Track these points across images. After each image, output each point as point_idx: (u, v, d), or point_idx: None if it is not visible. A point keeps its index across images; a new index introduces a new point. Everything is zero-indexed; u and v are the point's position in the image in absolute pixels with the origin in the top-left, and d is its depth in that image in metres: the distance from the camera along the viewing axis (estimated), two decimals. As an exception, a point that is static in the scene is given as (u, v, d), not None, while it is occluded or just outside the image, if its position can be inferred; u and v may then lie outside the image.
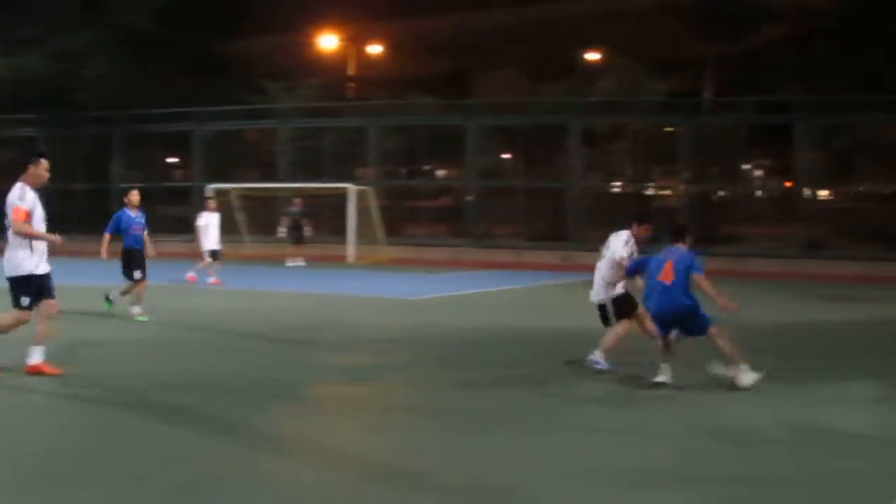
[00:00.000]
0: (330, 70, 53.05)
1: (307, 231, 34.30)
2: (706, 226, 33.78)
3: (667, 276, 11.26)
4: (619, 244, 12.45)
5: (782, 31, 43.74)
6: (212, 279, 24.37)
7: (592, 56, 49.20)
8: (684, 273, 11.20)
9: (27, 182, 11.52)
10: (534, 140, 42.27)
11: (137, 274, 17.42)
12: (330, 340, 15.10)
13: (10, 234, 11.39)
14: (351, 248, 35.00)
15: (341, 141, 42.32)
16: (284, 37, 57.87)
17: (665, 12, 46.43)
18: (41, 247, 11.48)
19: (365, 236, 35.50)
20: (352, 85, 54.06)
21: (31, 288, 11.33)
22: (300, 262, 32.86)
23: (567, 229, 36.94)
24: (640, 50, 43.77)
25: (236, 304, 20.37)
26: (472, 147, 38.32)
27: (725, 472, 7.85)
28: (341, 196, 35.97)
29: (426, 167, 45.19)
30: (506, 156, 46.22)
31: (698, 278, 11.12)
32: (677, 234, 11.96)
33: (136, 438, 8.65)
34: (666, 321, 11.35)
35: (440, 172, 47.09)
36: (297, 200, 34.24)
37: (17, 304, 11.37)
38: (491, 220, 40.09)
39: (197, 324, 16.87)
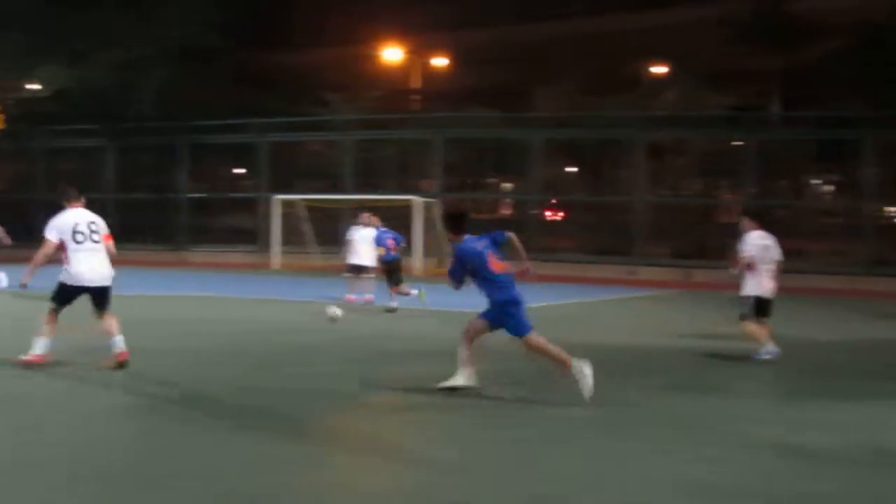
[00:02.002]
0: (393, 82, 53.29)
1: None
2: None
3: None
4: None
5: (841, 44, 43.34)
6: (351, 296, 23.33)
7: (655, 69, 49.06)
8: None
9: None
10: (596, 153, 42.21)
11: None
12: (399, 352, 15.15)
13: (107, 245, 12.65)
14: (418, 261, 35.09)
15: (404, 153, 42.51)
16: (347, 49, 58.13)
17: (724, 26, 46.23)
18: None
19: (429, 248, 35.65)
20: (415, 97, 54.20)
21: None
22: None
23: (631, 244, 36.88)
24: (703, 63, 43.63)
25: (299, 315, 20.54)
26: (535, 160, 38.36)
27: (791, 490, 7.85)
28: (404, 208, 36.07)
29: (489, 180, 45.26)
30: (569, 169, 46.19)
31: None
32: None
33: (210, 444, 8.78)
34: None
35: (504, 185, 47.09)
36: (365, 215, 34.10)
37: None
38: (553, 234, 40.06)
39: (258, 330, 17.01)
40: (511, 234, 12.21)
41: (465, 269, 11.61)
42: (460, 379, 11.51)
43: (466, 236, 11.79)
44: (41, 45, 42.99)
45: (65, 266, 12.43)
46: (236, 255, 40.55)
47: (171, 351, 14.62)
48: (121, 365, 12.37)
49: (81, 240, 12.40)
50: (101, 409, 10.44)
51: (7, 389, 11.38)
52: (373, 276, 23.18)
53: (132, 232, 42.16)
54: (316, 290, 25.72)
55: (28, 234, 43.31)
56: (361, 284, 23.32)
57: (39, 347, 12.48)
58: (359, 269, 23.26)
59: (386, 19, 56.08)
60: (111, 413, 10.29)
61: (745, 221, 15.11)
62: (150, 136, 44.49)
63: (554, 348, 11.38)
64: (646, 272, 35.24)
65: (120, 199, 43.50)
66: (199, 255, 41.69)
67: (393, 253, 22.30)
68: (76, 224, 12.49)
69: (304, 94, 46.02)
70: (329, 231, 36.63)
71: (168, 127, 43.41)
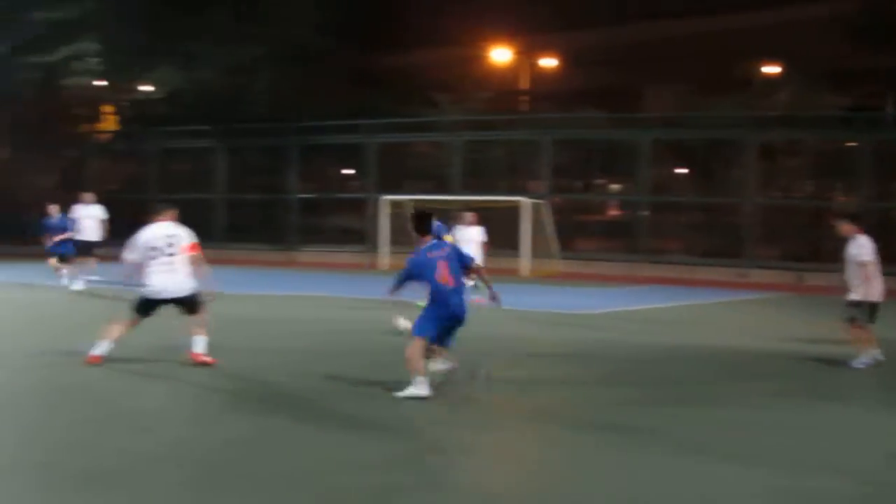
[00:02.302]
0: (501, 83, 53.21)
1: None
2: (886, 244, 32.87)
3: None
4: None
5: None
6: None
7: (767, 69, 48.32)
8: None
9: None
10: (707, 154, 41.68)
11: None
12: (500, 353, 15.12)
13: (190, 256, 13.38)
14: (524, 262, 34.89)
15: (512, 154, 42.44)
16: (455, 49, 58.17)
17: (836, 25, 45.35)
18: None
19: (536, 250, 35.52)
20: (524, 98, 54.08)
21: None
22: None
23: (741, 246, 36.38)
24: (816, 62, 42.87)
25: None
26: (644, 161, 38.01)
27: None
28: (511, 209, 36.05)
29: (598, 181, 44.97)
30: (679, 170, 45.72)
31: None
32: None
33: (321, 443, 8.82)
34: None
35: (613, 186, 46.77)
36: (470, 215, 34.19)
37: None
38: (663, 236, 39.71)
39: (370, 330, 17.03)
40: (476, 264, 12.70)
41: (409, 277, 11.76)
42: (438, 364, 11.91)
43: (431, 241, 11.80)
44: (155, 46, 43.66)
45: (144, 279, 13.18)
46: (344, 255, 40.80)
47: (283, 350, 14.79)
48: (200, 364, 12.95)
49: (155, 255, 13.14)
50: (219, 407, 10.56)
51: (105, 386, 11.63)
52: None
53: (242, 232, 42.75)
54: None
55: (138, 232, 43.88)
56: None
57: (100, 349, 13.04)
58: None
59: (495, 20, 56.03)
60: (229, 411, 10.45)
61: (846, 225, 14.80)
62: (260, 137, 45.00)
63: (420, 364, 11.31)
64: (756, 275, 34.72)
65: (230, 200, 44.05)
66: (307, 255, 42.03)
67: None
68: (152, 239, 13.24)
69: (412, 95, 46.08)
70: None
71: (279, 128, 43.91)
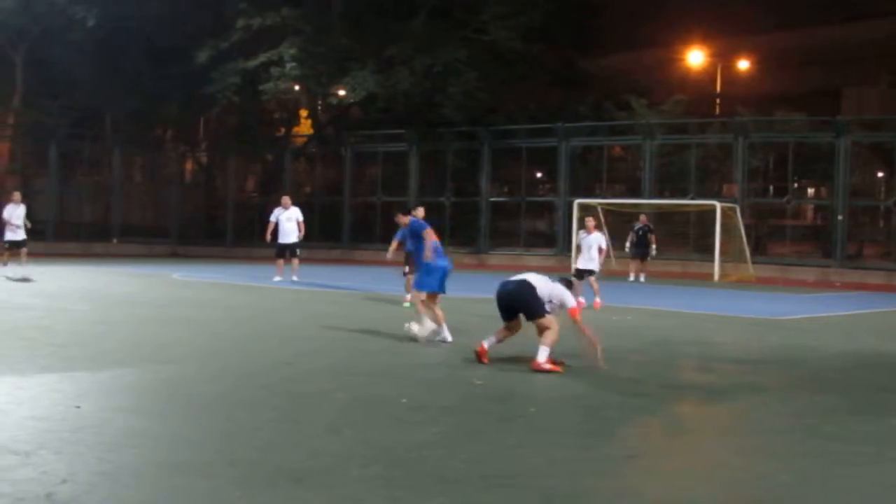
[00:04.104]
0: (695, 86, 52.60)
1: (654, 249, 34.03)
2: None
3: None
4: None
5: None
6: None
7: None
8: None
9: None
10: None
11: None
12: (690, 358, 14.86)
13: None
14: (716, 266, 34.48)
15: (706, 157, 41.92)
16: (650, 53, 57.79)
17: None
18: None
19: (730, 254, 35.03)
20: (718, 100, 53.36)
21: None
22: (640, 279, 32.71)
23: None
24: None
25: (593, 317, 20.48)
26: (843, 165, 37.00)
27: None
28: (705, 213, 35.60)
29: (793, 185, 44.04)
30: (879, 173, 44.43)
31: None
32: None
33: (501, 448, 8.78)
34: None
35: (809, 190, 45.76)
36: (642, 217, 34.06)
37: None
38: (862, 241, 38.67)
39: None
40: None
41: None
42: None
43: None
44: (354, 51, 44.44)
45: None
46: (534, 259, 40.87)
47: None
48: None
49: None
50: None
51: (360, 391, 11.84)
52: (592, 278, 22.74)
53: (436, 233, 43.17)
54: (622, 295, 25.49)
55: (336, 233, 44.98)
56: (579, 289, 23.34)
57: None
58: (580, 274, 22.83)
59: (690, 23, 55.47)
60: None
61: None
62: (454, 140, 45.49)
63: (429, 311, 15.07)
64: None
65: (423, 203, 44.52)
66: (498, 257, 42.25)
67: None
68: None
69: (608, 99, 45.91)
70: (624, 236, 36.34)
71: (472, 132, 44.26)
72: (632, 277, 32.85)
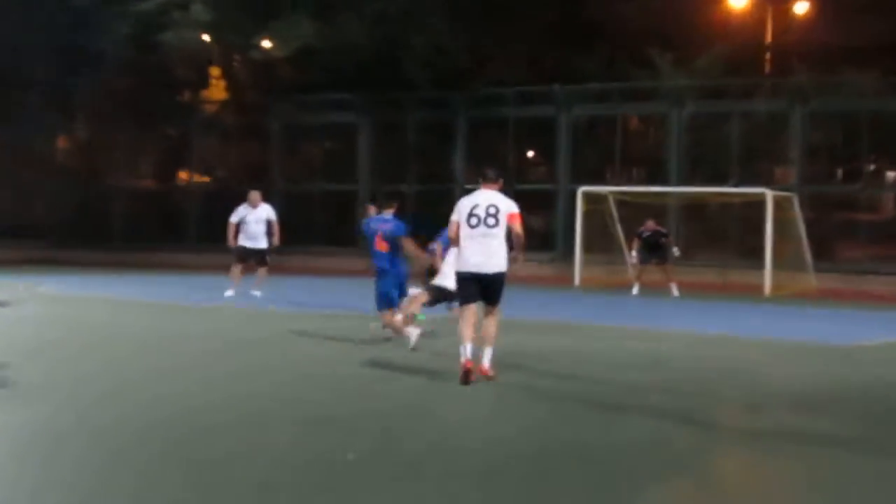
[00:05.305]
0: (738, 36, 52.48)
1: (675, 251, 33.93)
2: None
3: None
4: None
5: None
6: None
7: None
8: None
9: None
10: None
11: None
12: (733, 398, 15.02)
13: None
14: (767, 275, 34.42)
15: (752, 131, 41.82)
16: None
17: None
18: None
19: (785, 259, 35.07)
20: (769, 56, 53.33)
21: None
22: (674, 292, 32.97)
23: None
24: None
25: (597, 343, 20.77)
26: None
27: None
28: (752, 205, 35.78)
29: (869, 168, 44.03)
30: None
31: None
32: None
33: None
34: None
35: (889, 175, 45.72)
36: (650, 222, 33.79)
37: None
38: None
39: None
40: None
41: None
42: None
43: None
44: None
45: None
46: (527, 266, 40.77)
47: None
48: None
49: (475, 223, 15.15)
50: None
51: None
52: None
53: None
54: (643, 314, 25.53)
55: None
56: None
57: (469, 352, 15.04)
58: None
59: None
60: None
61: None
62: (417, 109, 45.45)
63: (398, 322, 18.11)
64: None
65: (372, 190, 44.41)
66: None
67: None
68: (474, 206, 15.27)
69: (622, 53, 45.57)
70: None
71: (441, 99, 44.28)
72: (635, 290, 33.09)
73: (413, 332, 18.00)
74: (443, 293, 19.57)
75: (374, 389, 14.59)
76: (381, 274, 18.46)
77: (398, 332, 18.29)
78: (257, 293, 27.96)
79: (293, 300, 28.07)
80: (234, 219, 28.88)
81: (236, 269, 28.59)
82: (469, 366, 14.72)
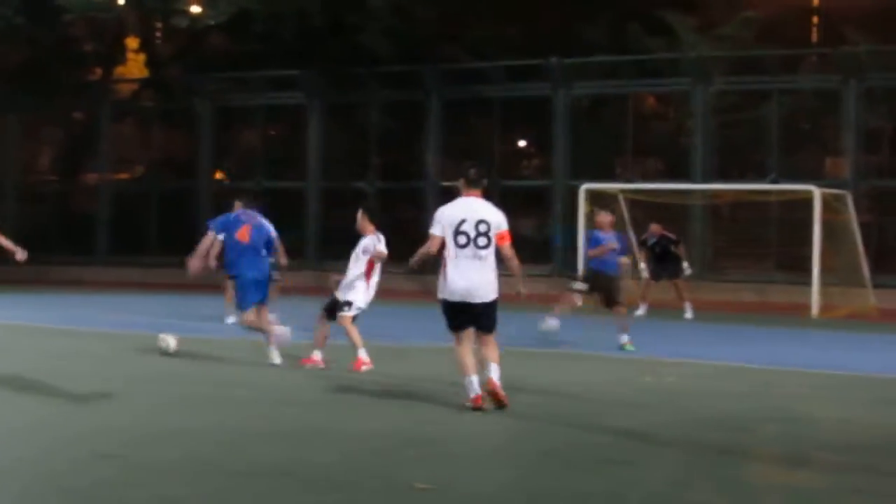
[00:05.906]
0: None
1: (686, 268, 33.57)
2: None
3: None
4: None
5: None
6: None
7: None
8: None
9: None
10: None
11: None
12: (772, 444, 14.72)
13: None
14: (815, 293, 33.96)
15: (796, 114, 41.49)
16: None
17: None
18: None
19: (837, 272, 34.88)
20: (815, 21, 53.15)
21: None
22: (687, 313, 32.86)
23: None
24: None
25: (598, 374, 20.76)
26: None
27: None
28: (795, 205, 35.21)
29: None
30: None
31: None
32: None
33: None
34: None
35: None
36: (654, 227, 33.40)
37: None
38: None
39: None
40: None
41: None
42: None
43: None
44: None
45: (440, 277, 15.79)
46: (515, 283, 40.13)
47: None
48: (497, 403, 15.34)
49: (464, 243, 15.40)
50: None
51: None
52: None
53: (342, 244, 42.44)
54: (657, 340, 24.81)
55: (185, 238, 44.16)
56: None
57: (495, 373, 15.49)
58: None
59: None
60: None
61: None
62: (380, 88, 45.19)
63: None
64: None
65: (325, 189, 44.05)
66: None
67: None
68: (461, 222, 15.37)
69: (632, 17, 45.21)
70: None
71: (408, 73, 43.94)
72: (640, 311, 32.73)
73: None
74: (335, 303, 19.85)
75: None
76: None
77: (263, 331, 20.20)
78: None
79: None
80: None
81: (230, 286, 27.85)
82: (479, 402, 15.11)
